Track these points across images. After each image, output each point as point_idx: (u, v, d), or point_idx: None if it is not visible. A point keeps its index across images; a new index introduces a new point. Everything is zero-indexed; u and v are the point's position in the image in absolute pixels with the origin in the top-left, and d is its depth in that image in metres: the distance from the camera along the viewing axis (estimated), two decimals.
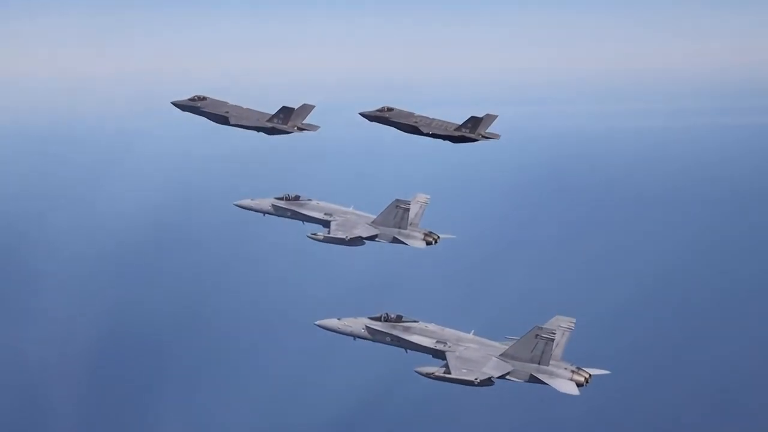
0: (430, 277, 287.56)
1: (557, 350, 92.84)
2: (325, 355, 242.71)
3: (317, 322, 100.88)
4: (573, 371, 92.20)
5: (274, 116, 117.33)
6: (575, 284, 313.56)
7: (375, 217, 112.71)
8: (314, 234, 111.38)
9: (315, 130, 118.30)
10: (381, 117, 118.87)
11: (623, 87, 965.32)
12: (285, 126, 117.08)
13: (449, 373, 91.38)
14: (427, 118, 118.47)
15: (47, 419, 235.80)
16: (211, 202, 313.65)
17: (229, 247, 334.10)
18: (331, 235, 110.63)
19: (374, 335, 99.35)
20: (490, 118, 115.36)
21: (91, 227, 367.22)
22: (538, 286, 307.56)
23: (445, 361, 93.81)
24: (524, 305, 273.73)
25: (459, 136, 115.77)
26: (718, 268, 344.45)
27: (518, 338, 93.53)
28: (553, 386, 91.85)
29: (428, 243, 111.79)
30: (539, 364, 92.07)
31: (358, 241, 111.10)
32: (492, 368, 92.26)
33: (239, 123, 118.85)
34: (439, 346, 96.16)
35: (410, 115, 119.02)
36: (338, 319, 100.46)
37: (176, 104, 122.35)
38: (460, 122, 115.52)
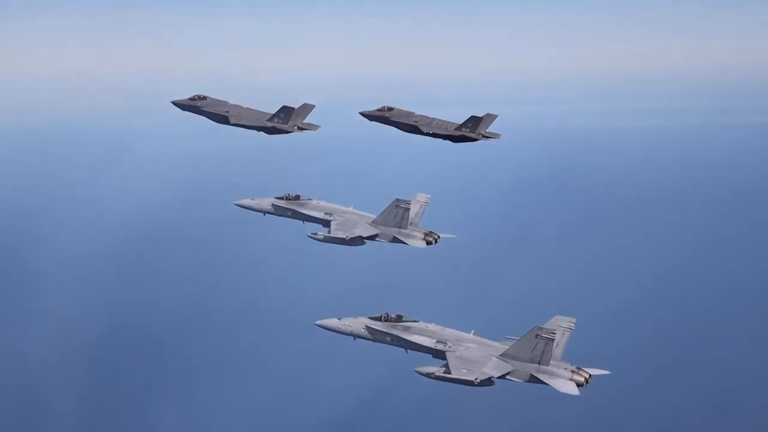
0: (431, 277, 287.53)
1: (557, 350, 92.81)
2: (325, 354, 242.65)
3: (317, 322, 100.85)
4: (573, 371, 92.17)
5: (274, 116, 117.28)
6: (575, 284, 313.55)
7: (375, 216, 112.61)
8: (314, 234, 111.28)
9: (315, 130, 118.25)
10: (381, 116, 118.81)
11: (623, 87, 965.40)
12: (285, 125, 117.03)
13: (449, 373, 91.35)
14: (428, 117, 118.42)
15: (47, 419, 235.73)
16: (211, 201, 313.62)
17: (230, 246, 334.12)
18: (331, 235, 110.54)
19: (374, 335, 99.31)
20: (490, 117, 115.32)
21: (91, 227, 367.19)
22: (538, 286, 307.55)
23: (445, 361, 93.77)
24: (524, 305, 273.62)
25: (459, 135, 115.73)
26: (718, 268, 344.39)
27: (518, 338, 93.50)
28: (553, 386, 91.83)
29: (428, 243, 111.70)
30: (539, 364, 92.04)
31: (358, 240, 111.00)
32: (492, 368, 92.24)
33: (239, 122, 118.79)
34: (440, 346, 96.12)
35: (410, 114, 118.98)
36: (338, 318, 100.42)
37: (176, 104, 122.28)
38: (461, 122, 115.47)
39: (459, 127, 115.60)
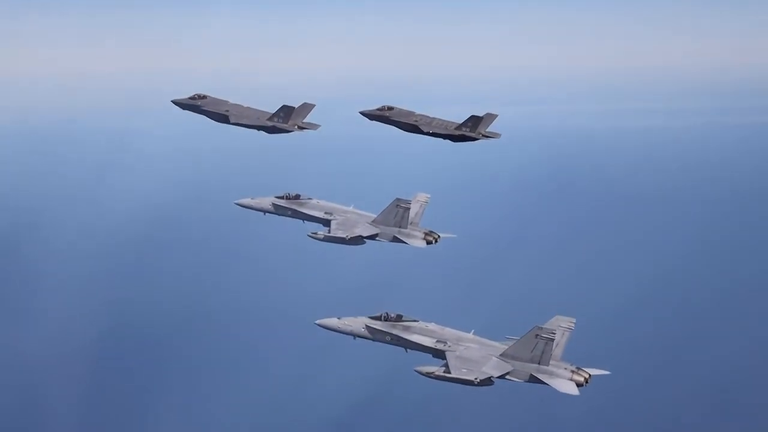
0: (431, 277, 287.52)
1: (557, 350, 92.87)
2: (325, 354, 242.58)
3: (317, 322, 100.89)
4: (573, 371, 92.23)
5: (274, 115, 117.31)
6: (575, 284, 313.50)
7: (375, 216, 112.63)
8: (314, 233, 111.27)
9: (315, 129, 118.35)
10: (381, 116, 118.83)
11: (623, 86, 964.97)
12: (285, 125, 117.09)
13: (449, 372, 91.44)
14: (428, 117, 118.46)
15: (47, 419, 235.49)
16: (212, 201, 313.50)
17: (230, 246, 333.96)
18: (331, 234, 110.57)
19: (374, 334, 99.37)
20: (490, 117, 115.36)
21: (91, 226, 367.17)
22: (538, 285, 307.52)
23: (445, 361, 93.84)
24: (524, 305, 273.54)
25: (459, 135, 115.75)
26: (718, 267, 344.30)
27: (518, 338, 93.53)
28: (552, 386, 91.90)
29: (428, 242, 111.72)
30: (539, 364, 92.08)
31: (358, 240, 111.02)
32: (492, 368, 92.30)
33: (239, 122, 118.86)
34: (439, 346, 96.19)
35: (410, 114, 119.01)
36: (338, 318, 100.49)
37: (176, 103, 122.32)
38: (461, 121, 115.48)
39: (459, 127, 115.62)
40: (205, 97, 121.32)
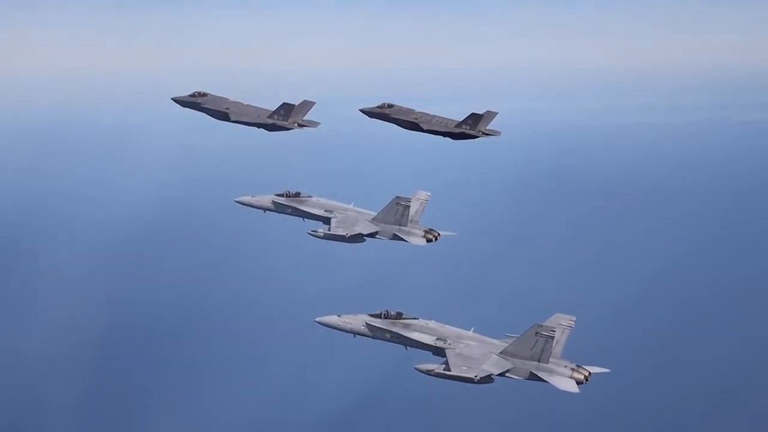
0: (431, 275, 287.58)
1: (557, 348, 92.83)
2: (325, 352, 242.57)
3: (317, 319, 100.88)
4: (573, 369, 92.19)
5: (274, 113, 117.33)
6: (575, 281, 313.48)
7: (375, 214, 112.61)
8: (314, 231, 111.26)
9: (315, 127, 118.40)
10: (381, 114, 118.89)
11: (623, 83, 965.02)
12: (285, 122, 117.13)
13: (449, 370, 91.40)
14: (428, 114, 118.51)
15: (47, 419, 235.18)
16: (212, 198, 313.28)
17: (230, 243, 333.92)
18: (331, 232, 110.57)
19: (374, 332, 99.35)
20: (490, 114, 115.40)
21: (91, 224, 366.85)
22: (538, 283, 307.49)
23: (444, 359, 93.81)
24: (524, 303, 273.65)
25: (459, 132, 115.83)
26: (719, 265, 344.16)
27: (518, 336, 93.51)
28: (552, 384, 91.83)
29: (429, 240, 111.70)
30: (539, 361, 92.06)
31: (358, 238, 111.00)
32: (492, 366, 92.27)
33: (239, 119, 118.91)
34: (439, 344, 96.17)
35: (411, 111, 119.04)
36: (338, 316, 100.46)
37: (176, 100, 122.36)
38: (461, 119, 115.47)
39: (459, 125, 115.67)
40: (205, 94, 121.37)
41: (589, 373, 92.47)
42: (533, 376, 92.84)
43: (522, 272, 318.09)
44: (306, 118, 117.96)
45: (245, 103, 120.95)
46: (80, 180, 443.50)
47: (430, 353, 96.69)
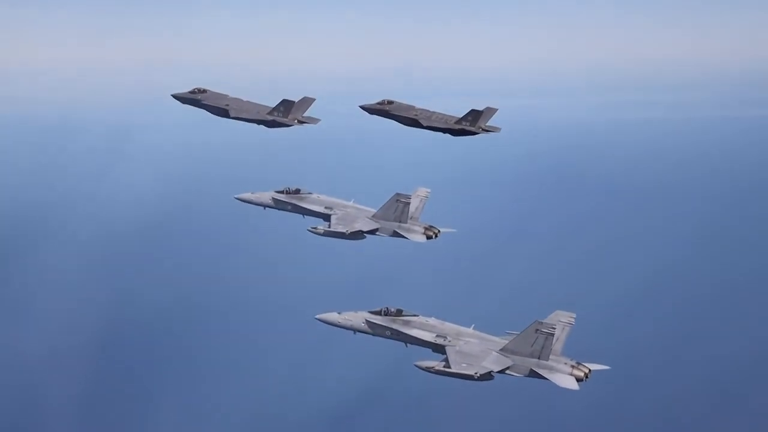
0: (431, 272, 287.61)
1: (557, 345, 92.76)
2: (325, 349, 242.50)
3: (317, 316, 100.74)
4: (573, 366, 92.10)
5: (274, 109, 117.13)
6: (575, 279, 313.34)
7: (375, 211, 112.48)
8: (314, 228, 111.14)
9: (315, 123, 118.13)
10: (381, 110, 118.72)
11: (623, 79, 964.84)
12: (285, 119, 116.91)
13: (449, 367, 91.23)
14: (428, 111, 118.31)
15: (47, 419, 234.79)
16: (211, 195, 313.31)
17: (229, 240, 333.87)
18: (331, 229, 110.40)
19: (374, 329, 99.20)
20: (490, 111, 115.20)
21: (90, 220, 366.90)
22: (538, 280, 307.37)
23: (444, 356, 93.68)
24: (524, 299, 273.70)
25: (459, 129, 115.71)
26: (719, 261, 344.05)
27: (518, 333, 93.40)
28: (552, 381, 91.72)
29: (429, 237, 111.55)
30: (539, 359, 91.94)
31: (358, 235, 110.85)
32: (492, 363, 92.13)
33: (239, 116, 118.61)
34: (439, 341, 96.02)
35: (410, 108, 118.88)
36: (338, 313, 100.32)
37: (176, 97, 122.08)
38: (461, 115, 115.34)
39: (459, 121, 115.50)
40: (205, 91, 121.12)
41: (589, 370, 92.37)
42: (533, 374, 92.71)
43: (522, 269, 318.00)
44: (306, 114, 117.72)
45: (245, 99, 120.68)
46: (80, 177, 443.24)
47: (430, 350, 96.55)
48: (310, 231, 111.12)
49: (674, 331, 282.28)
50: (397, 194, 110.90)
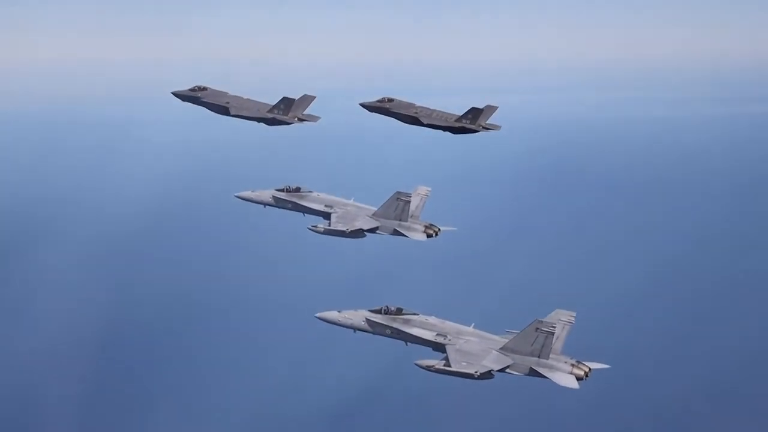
0: (431, 270, 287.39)
1: (557, 344, 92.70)
2: (325, 347, 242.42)
3: (317, 315, 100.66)
4: (573, 365, 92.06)
5: (274, 107, 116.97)
6: (576, 277, 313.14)
7: (376, 209, 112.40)
8: (315, 226, 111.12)
9: (316, 121, 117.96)
10: (381, 108, 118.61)
11: (624, 76, 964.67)
12: (285, 117, 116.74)
13: (449, 366, 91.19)
14: (428, 109, 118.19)
15: (47, 417, 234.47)
16: (212, 193, 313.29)
17: (230, 238, 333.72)
18: (331, 228, 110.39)
19: (374, 328, 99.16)
20: (490, 109, 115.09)
21: (90, 218, 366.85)
22: (538, 278, 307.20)
23: (445, 354, 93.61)
24: (525, 297, 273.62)
25: (459, 127, 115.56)
26: (720, 259, 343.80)
27: (518, 331, 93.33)
28: (553, 380, 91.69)
29: (429, 235, 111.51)
30: (539, 357, 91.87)
31: (358, 233, 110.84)
32: (492, 361, 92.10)
33: (240, 114, 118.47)
34: (439, 339, 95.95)
35: (411, 105, 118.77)
36: (338, 311, 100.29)
37: (176, 94, 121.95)
38: (461, 113, 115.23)
39: (459, 119, 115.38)
40: (205, 88, 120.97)
41: (590, 369, 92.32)
42: (533, 372, 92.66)
43: (522, 267, 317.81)
44: (306, 112, 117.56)
45: (245, 97, 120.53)
46: (79, 175, 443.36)
47: (431, 349, 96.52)
48: (310, 229, 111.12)
49: (674, 329, 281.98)
50: (398, 192, 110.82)
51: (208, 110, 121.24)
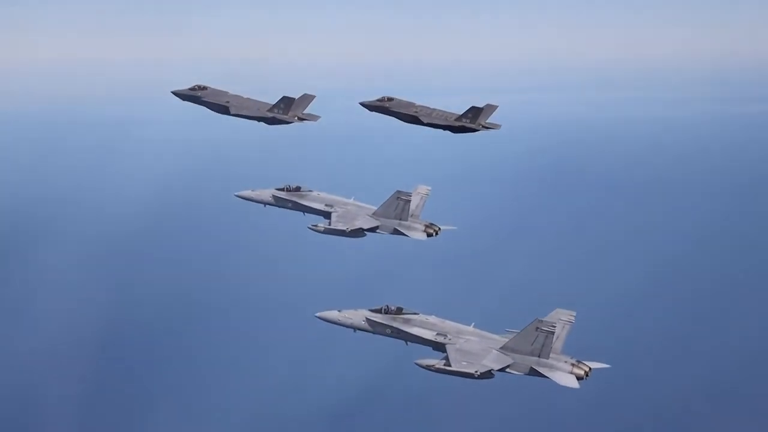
0: (431, 269, 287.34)
1: (557, 343, 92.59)
2: (325, 346, 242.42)
3: (318, 314, 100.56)
4: (573, 364, 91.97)
5: (274, 106, 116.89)
6: (576, 277, 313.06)
7: (376, 208, 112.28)
8: (315, 225, 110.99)
9: (316, 120, 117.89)
10: (381, 107, 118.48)
11: (624, 76, 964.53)
12: (285, 116, 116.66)
13: (449, 365, 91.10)
14: (428, 108, 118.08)
15: (47, 417, 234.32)
16: (212, 192, 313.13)
17: (230, 238, 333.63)
18: (331, 227, 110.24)
19: (374, 327, 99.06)
20: (490, 108, 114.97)
21: (90, 218, 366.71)
22: (538, 278, 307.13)
23: (445, 354, 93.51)
24: (525, 297, 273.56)
25: (459, 126, 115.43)
26: (720, 259, 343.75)
27: (518, 331, 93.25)
28: (553, 379, 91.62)
29: (429, 235, 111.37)
30: (539, 357, 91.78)
31: (358, 232, 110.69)
32: (492, 361, 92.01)
33: (240, 113, 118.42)
34: (440, 339, 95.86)
35: (410, 105, 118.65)
36: (339, 310, 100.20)
37: (176, 94, 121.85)
38: (461, 112, 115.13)
39: (459, 118, 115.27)
40: (205, 88, 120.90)
41: (590, 368, 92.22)
42: (533, 372, 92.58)
43: (522, 266, 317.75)
44: (306, 111, 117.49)
45: (245, 96, 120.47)
46: (79, 175, 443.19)
47: (431, 348, 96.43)
48: (310, 229, 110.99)
49: (675, 328, 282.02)
50: (398, 192, 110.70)
51: (208, 109, 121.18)
